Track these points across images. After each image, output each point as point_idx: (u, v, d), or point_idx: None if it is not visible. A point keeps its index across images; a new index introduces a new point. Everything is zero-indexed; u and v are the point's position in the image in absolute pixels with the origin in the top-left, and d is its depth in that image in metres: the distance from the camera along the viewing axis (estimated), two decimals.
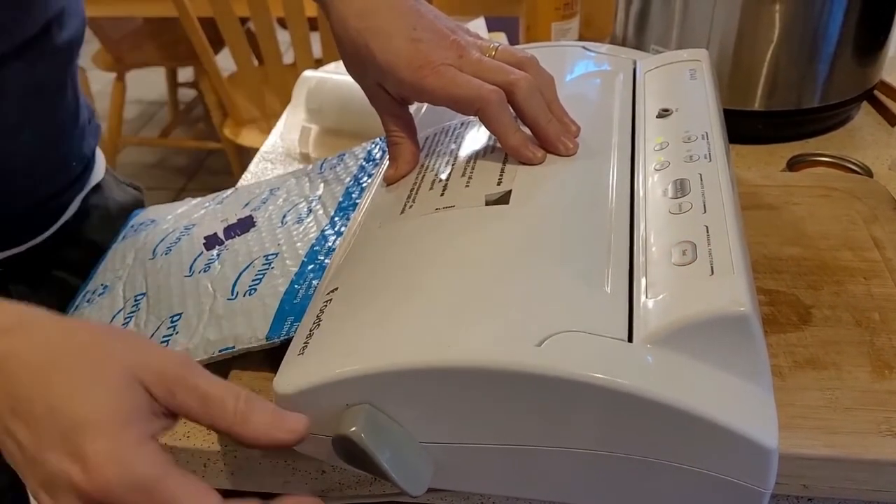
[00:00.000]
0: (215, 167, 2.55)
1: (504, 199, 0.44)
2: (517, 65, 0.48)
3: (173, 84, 2.55)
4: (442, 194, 0.46)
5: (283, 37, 1.74)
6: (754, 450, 0.34)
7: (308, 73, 0.81)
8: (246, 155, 2.21)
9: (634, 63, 0.59)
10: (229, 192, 0.66)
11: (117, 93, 2.26)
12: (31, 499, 0.64)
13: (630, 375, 0.34)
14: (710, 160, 0.45)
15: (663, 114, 0.51)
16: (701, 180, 0.44)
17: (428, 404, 0.37)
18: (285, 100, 1.79)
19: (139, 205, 0.80)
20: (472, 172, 0.47)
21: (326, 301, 0.42)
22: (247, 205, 0.61)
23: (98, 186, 0.70)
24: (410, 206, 0.46)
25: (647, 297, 0.38)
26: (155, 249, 0.59)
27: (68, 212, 0.67)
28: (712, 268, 0.37)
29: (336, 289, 0.42)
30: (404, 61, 0.46)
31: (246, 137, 1.85)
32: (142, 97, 2.87)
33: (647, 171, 0.47)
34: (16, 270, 0.64)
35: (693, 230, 0.40)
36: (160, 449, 0.33)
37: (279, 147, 0.81)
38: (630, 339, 0.36)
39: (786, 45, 0.73)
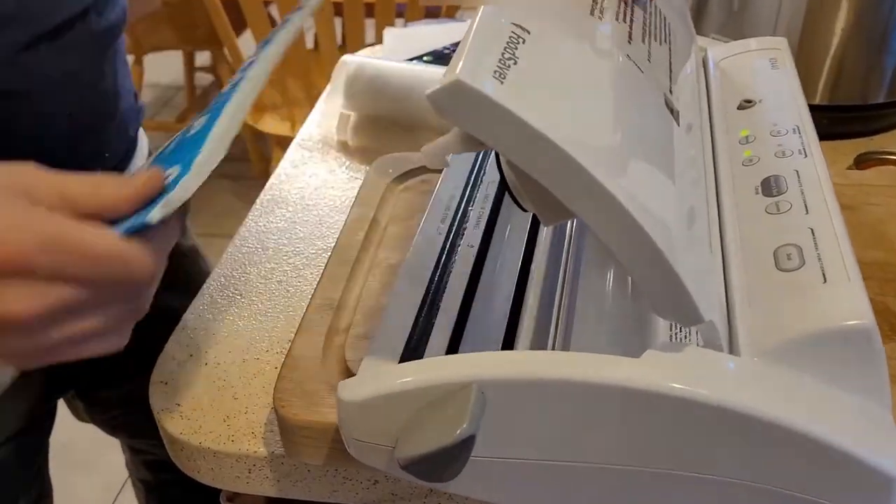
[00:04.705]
0: (233, 153, 2.47)
1: (676, 116, 0.41)
2: None
3: (190, 68, 2.52)
4: (629, 41, 0.41)
5: (306, 22, 1.70)
6: (877, 479, 0.31)
7: (347, 57, 0.78)
8: (264, 141, 2.18)
9: (704, 51, 0.56)
10: None
11: (135, 76, 2.23)
12: None
13: (739, 393, 0.31)
14: (806, 156, 0.42)
15: (745, 105, 0.48)
16: (798, 178, 0.40)
17: (504, 417, 0.34)
18: (306, 85, 1.77)
19: None
20: (650, 48, 0.43)
21: (515, 35, 0.34)
22: None
23: None
24: (599, 16, 0.40)
25: (750, 304, 0.34)
26: None
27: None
28: (824, 275, 0.34)
29: (529, 31, 0.34)
30: None
31: (266, 123, 1.82)
32: (158, 81, 2.84)
33: (734, 166, 0.43)
34: None
35: (796, 232, 0.37)
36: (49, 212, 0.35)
37: (316, 135, 0.78)
38: (734, 351, 0.33)
39: (853, 36, 0.69)
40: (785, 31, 0.69)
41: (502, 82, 0.30)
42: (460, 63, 0.29)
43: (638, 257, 0.31)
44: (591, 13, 0.39)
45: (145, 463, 0.91)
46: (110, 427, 0.84)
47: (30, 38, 0.51)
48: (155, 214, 0.34)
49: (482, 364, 0.34)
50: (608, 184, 0.30)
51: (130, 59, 2.20)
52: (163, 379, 0.51)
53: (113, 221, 0.35)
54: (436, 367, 0.35)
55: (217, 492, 0.52)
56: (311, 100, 0.83)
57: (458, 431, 0.31)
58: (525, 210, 0.39)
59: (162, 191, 0.35)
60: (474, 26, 0.32)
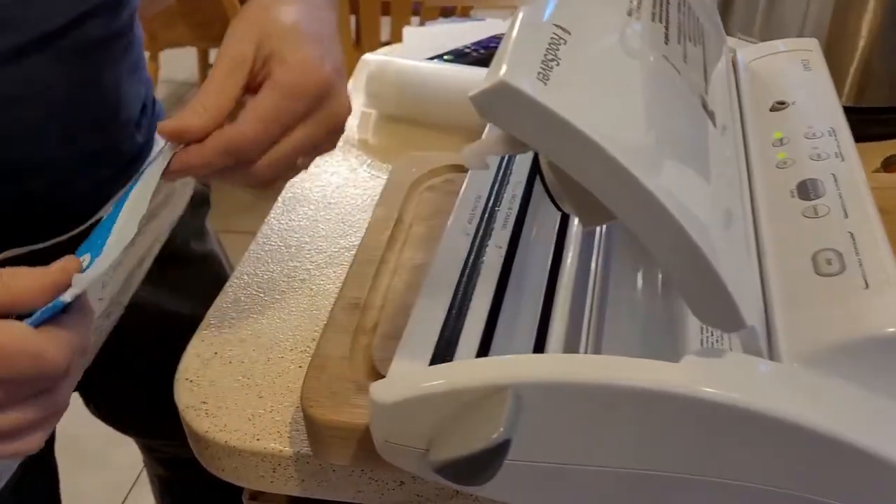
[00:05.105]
0: None
1: (712, 117, 0.40)
2: None
3: (204, 65, 2.52)
4: (665, 42, 0.41)
5: None
6: None
7: (369, 56, 0.78)
8: None
9: (734, 52, 0.55)
10: None
11: (151, 72, 2.23)
12: None
13: (785, 401, 0.30)
14: (843, 160, 0.41)
15: (778, 107, 0.47)
16: (835, 181, 0.40)
17: (539, 421, 0.33)
18: None
19: (202, 198, 0.75)
20: (685, 49, 0.42)
21: (556, 36, 0.33)
22: None
23: None
24: (637, 17, 0.40)
25: (790, 310, 0.34)
26: None
27: (105, 209, 0.62)
28: (866, 280, 0.33)
29: (569, 32, 0.34)
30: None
31: None
32: (172, 77, 2.84)
33: (767, 168, 0.43)
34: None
35: (836, 237, 0.36)
36: None
37: None
38: (774, 357, 0.32)
39: (881, 37, 0.68)
40: (812, 31, 0.68)
41: (546, 84, 0.29)
42: (504, 64, 0.29)
43: (680, 261, 0.30)
44: (629, 14, 0.39)
45: (159, 460, 0.91)
46: (121, 426, 0.83)
47: (26, 42, 0.50)
48: (66, 296, 0.35)
49: (517, 367, 0.33)
50: (651, 185, 0.29)
51: (146, 55, 2.21)
52: (188, 376, 0.50)
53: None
54: (470, 370, 0.34)
55: (231, 487, 0.52)
56: None
57: (495, 435, 0.31)
58: (563, 212, 0.39)
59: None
60: (516, 27, 0.32)
